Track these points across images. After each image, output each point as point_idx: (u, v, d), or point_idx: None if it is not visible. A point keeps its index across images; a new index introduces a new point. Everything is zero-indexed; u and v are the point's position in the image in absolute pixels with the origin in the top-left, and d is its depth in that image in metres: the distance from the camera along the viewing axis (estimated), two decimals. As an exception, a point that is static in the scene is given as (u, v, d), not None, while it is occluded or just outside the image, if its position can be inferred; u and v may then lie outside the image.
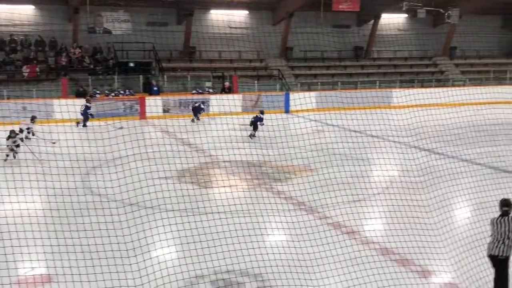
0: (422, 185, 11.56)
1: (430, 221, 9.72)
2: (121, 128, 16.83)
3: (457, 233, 9.67)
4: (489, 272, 7.95)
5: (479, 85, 32.27)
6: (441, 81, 34.22)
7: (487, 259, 7.88)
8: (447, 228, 9.68)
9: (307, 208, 11.45)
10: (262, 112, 20.66)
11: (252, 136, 20.21)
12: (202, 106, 25.09)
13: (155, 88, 27.35)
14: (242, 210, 9.96)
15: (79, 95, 25.48)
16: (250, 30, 31.23)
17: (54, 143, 13.73)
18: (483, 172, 14.30)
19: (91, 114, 22.59)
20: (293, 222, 9.93)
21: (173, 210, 9.91)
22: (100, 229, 8.64)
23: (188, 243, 8.93)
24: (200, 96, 27.17)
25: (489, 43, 36.85)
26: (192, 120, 24.12)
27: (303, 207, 11.59)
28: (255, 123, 20.36)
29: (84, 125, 22.47)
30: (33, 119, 18.67)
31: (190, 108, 25.64)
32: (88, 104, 22.72)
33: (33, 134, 18.19)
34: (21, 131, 17.08)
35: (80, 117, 22.50)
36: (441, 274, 8.49)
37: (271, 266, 8.10)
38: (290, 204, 11.94)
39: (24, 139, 17.02)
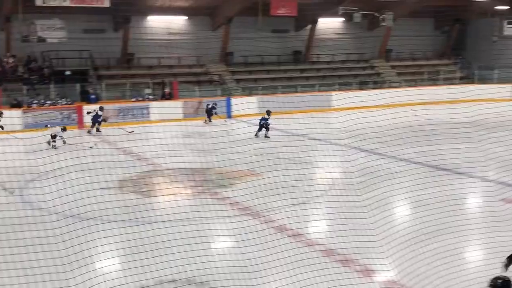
0: (363, 185, 11.81)
1: (370, 220, 9.94)
2: (132, 132, 17.04)
3: (397, 230, 9.94)
4: (428, 268, 8.21)
5: (415, 86, 33.34)
6: (378, 83, 35.10)
7: (426, 255, 8.13)
8: (387, 226, 9.93)
9: (252, 213, 11.48)
10: (268, 113, 21.49)
11: (258, 135, 21.41)
12: (215, 107, 25.38)
13: (93, 96, 26.80)
14: (187, 218, 9.88)
15: (14, 106, 24.68)
16: (189, 35, 31.10)
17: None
18: (420, 170, 14.77)
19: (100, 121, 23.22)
20: (238, 228, 9.93)
21: (116, 221, 9.73)
22: (41, 244, 8.37)
23: (132, 253, 8.77)
24: (144, 102, 26.88)
25: (423, 45, 38.08)
26: (205, 121, 24.55)
27: (248, 212, 11.62)
28: (261, 124, 21.57)
29: (98, 130, 23.11)
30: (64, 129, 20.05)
31: (204, 109, 26.14)
32: (99, 112, 23.17)
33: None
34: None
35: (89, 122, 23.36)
36: (383, 272, 8.70)
37: (218, 274, 8.07)
38: (235, 209, 11.94)
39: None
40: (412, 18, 35.80)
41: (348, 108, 16.39)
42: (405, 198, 12.28)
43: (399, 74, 37.16)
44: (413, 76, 36.84)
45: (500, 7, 36.49)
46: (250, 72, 33.22)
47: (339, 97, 27.67)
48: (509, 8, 36.71)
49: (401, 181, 11.94)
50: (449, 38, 40.36)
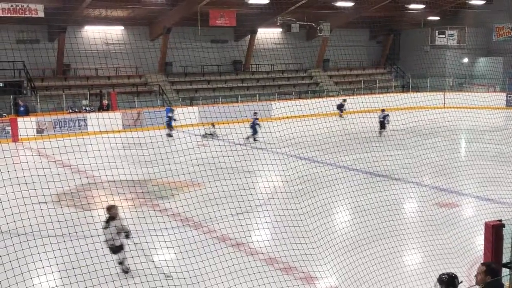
0: (303, 193, 11.96)
1: (311, 227, 10.07)
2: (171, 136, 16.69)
3: (337, 236, 10.11)
4: (367, 272, 8.38)
5: (352, 95, 34.12)
6: (317, 92, 35.71)
7: (365, 260, 8.30)
8: (327, 232, 10.08)
9: (193, 223, 11.41)
10: (256, 113, 22.68)
11: (254, 139, 22.39)
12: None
13: (22, 109, 25.90)
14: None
15: None
16: (127, 46, 30.67)
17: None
18: (358, 177, 15.09)
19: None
20: (182, 239, 9.83)
21: (54, 236, 9.43)
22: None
23: (71, 268, 8.53)
24: (81, 114, 26.26)
25: (359, 55, 39.10)
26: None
27: (189, 223, 11.54)
28: (254, 126, 22.36)
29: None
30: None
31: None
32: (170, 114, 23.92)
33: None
34: None
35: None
36: (325, 278, 8.82)
37: (162, 287, 7.96)
38: (176, 220, 11.83)
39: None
40: (348, 29, 36.70)
41: (288, 117, 16.60)
42: (344, 205, 12.51)
43: (336, 83, 37.95)
44: (350, 85, 37.71)
45: (431, 17, 37.98)
46: (190, 82, 33.10)
47: (279, 106, 28.03)
48: (439, 19, 38.27)
49: (339, 188, 12.16)
50: (384, 48, 41.62)
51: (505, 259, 6.27)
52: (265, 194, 13.93)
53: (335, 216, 12.16)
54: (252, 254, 9.99)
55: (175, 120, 24.35)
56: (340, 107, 30.63)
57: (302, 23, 32.66)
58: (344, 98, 31.84)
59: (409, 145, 15.80)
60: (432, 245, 9.91)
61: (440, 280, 6.00)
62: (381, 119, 24.71)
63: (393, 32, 40.80)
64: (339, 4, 33.00)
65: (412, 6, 35.43)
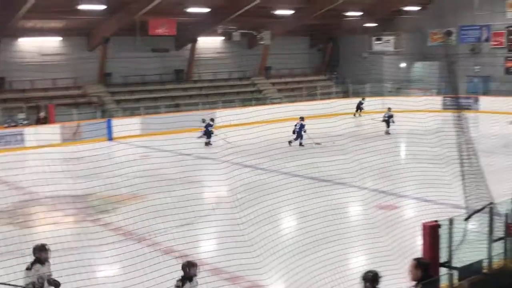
0: (248, 200, 11.95)
1: (255, 234, 10.06)
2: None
3: (282, 241, 10.15)
4: (313, 276, 8.45)
5: (294, 102, 34.48)
6: (260, 100, 35.88)
7: (311, 264, 8.35)
8: (273, 238, 10.10)
9: (137, 236, 11.20)
10: (302, 119, 22.65)
11: (297, 144, 22.61)
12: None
13: None
14: (68, 248, 9.43)
15: None
16: (65, 57, 29.98)
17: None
18: (302, 183, 15.21)
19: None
20: (125, 253, 9.61)
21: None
22: None
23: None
24: (17, 128, 25.41)
25: (300, 62, 39.62)
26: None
27: (133, 236, 11.31)
28: (299, 132, 22.57)
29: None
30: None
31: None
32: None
33: None
34: None
35: None
36: (271, 286, 8.82)
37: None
38: (119, 235, 11.57)
39: None
40: (289, 37, 37.15)
41: (232, 125, 16.61)
42: (289, 210, 12.59)
43: (279, 90, 38.27)
44: (293, 92, 38.11)
45: (368, 24, 38.93)
46: (131, 93, 32.61)
47: (223, 114, 28.01)
48: (376, 26, 39.28)
49: (283, 194, 12.21)
50: (324, 55, 42.31)
51: (442, 258, 6.44)
52: (210, 204, 13.84)
53: (279, 222, 12.21)
54: (199, 266, 9.88)
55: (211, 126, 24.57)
56: (360, 105, 32.56)
57: (243, 31, 32.85)
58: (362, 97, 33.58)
59: (350, 149, 16.06)
60: (374, 248, 10.09)
61: (365, 277, 6.44)
62: (386, 118, 25.74)
63: (332, 39, 41.56)
64: (278, 12, 33.37)
65: (350, 13, 36.22)
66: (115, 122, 27.20)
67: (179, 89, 34.54)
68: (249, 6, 30.21)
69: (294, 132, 22.92)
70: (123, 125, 25.11)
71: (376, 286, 6.38)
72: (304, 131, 22.96)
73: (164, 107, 31.44)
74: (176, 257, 9.85)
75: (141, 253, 9.28)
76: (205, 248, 10.67)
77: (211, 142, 23.35)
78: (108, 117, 28.65)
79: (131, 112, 30.73)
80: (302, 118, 23.36)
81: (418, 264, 5.99)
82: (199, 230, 11.77)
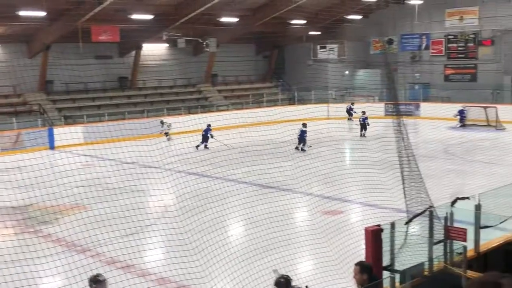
0: (193, 207, 11.85)
1: (201, 242, 9.99)
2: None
3: (230, 247, 10.10)
4: (260, 282, 8.44)
5: (241, 109, 34.55)
6: (206, 107, 35.77)
7: (258, 269, 8.34)
8: (219, 244, 10.04)
9: (80, 247, 10.91)
10: (304, 125, 23.44)
11: (300, 149, 23.08)
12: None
13: None
14: (9, 261, 9.08)
15: None
16: (3, 64, 29.00)
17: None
18: (249, 190, 15.22)
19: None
20: (68, 264, 9.35)
21: None
22: None
23: None
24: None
25: (246, 69, 39.73)
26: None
27: (75, 247, 11.02)
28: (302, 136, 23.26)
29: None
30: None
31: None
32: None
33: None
34: None
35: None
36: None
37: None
38: (61, 246, 11.25)
39: None
40: (235, 44, 37.24)
41: (178, 133, 16.44)
42: (235, 217, 12.56)
43: (225, 97, 38.27)
44: (239, 99, 38.18)
45: (312, 32, 39.51)
46: (73, 100, 31.87)
47: (168, 122, 27.78)
48: (320, 34, 39.90)
49: (230, 201, 12.19)
50: (270, 62, 42.64)
51: (385, 262, 6.56)
52: (156, 213, 13.65)
53: (225, 230, 12.16)
54: (143, 276, 9.72)
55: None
56: (350, 110, 33.32)
57: (188, 38, 32.68)
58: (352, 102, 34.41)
59: (296, 155, 16.22)
60: (320, 253, 10.19)
61: (278, 283, 6.52)
62: (361, 122, 26.75)
63: (278, 46, 41.95)
64: (223, 20, 33.42)
65: (294, 21, 36.66)
66: (57, 130, 26.51)
67: (123, 96, 34.03)
68: (194, 13, 30.13)
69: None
70: (65, 133, 24.47)
71: None
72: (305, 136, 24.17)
73: (107, 115, 30.86)
74: (122, 267, 9.67)
75: (84, 263, 9.05)
76: (150, 258, 10.50)
77: (207, 146, 23.89)
78: (50, 125, 27.89)
79: (74, 120, 30.05)
80: (304, 125, 24.24)
81: (362, 268, 6.09)
82: (144, 239, 11.58)
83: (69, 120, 30.04)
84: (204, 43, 33.06)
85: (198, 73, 37.43)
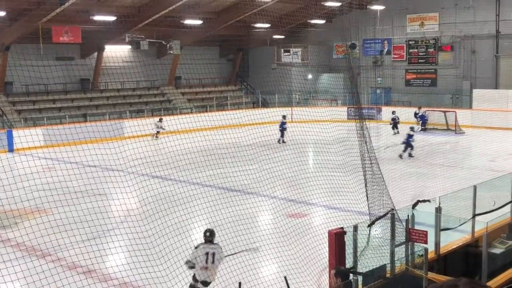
0: (157, 211, 11.76)
1: (164, 246, 9.91)
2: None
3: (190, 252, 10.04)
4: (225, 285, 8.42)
5: (205, 112, 34.47)
6: (170, 110, 35.55)
7: (225, 273, 8.32)
8: (183, 248, 9.98)
9: (40, 252, 10.69)
10: (284, 117, 25.86)
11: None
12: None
13: None
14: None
15: None
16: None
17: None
18: (213, 193, 15.19)
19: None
20: (28, 269, 9.15)
21: None
22: None
23: None
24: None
25: (210, 72, 39.62)
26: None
27: (36, 252, 10.79)
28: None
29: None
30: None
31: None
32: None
33: None
34: None
35: None
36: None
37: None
38: (21, 251, 11.00)
39: None
40: (199, 46, 37.12)
41: (141, 136, 16.29)
42: (199, 221, 12.50)
43: (189, 100, 38.12)
44: (203, 102, 38.09)
45: (276, 36, 39.72)
46: (33, 102, 31.22)
47: (131, 125, 27.45)
48: (284, 38, 40.15)
49: (194, 205, 12.15)
50: (234, 66, 42.66)
51: (348, 264, 6.63)
52: (118, 217, 13.49)
53: (190, 233, 12.09)
54: (106, 281, 9.59)
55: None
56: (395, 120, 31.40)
57: (151, 40, 32.42)
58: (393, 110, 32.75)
59: (259, 158, 16.25)
60: (285, 256, 10.24)
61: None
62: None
63: (242, 50, 42.01)
64: (187, 22, 33.29)
65: (258, 25, 36.78)
66: (16, 133, 25.91)
67: (85, 98, 33.52)
68: (157, 15, 29.94)
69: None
70: (25, 136, 23.91)
71: None
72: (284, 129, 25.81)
73: (68, 117, 30.36)
74: (83, 272, 9.52)
75: (45, 268, 8.87)
76: (112, 263, 10.35)
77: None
78: (9, 127, 27.25)
79: (34, 123, 29.45)
80: (284, 117, 26.46)
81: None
82: (106, 244, 11.43)
83: (29, 122, 29.42)
84: (168, 46, 32.83)
85: (162, 76, 37.16)
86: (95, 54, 33.59)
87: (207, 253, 8.33)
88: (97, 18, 29.40)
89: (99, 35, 31.50)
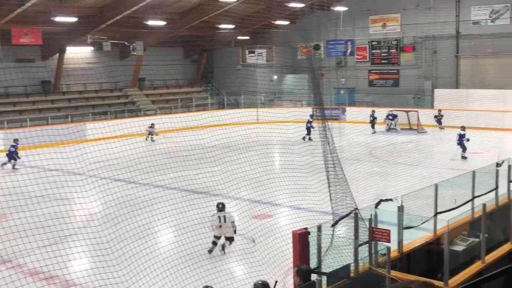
0: (119, 214, 11.57)
1: (127, 251, 9.76)
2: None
3: (155, 256, 9.92)
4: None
5: (169, 113, 34.18)
6: (134, 112, 35.16)
7: (191, 275, 8.22)
8: (148, 250, 9.85)
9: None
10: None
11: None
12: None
13: None
14: None
15: None
16: None
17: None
18: (177, 195, 15.04)
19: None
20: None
21: None
22: None
23: None
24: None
25: (175, 73, 39.35)
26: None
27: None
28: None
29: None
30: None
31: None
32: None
33: None
34: None
35: None
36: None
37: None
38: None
39: None
40: (163, 47, 36.79)
41: (104, 138, 16.01)
42: (164, 224, 12.37)
43: (153, 102, 37.76)
44: (168, 103, 37.78)
45: (241, 37, 39.69)
46: (-8, 105, 30.47)
47: (94, 127, 26.96)
48: (249, 39, 40.17)
49: (157, 208, 12.01)
50: (198, 67, 42.45)
51: (312, 264, 6.63)
52: (80, 222, 13.23)
53: (153, 236, 11.95)
54: (68, 286, 9.39)
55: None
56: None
57: (114, 41, 31.97)
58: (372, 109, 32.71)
59: (224, 159, 16.19)
60: (251, 257, 10.20)
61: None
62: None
63: (206, 51, 41.84)
64: (150, 23, 32.97)
65: (222, 26, 36.70)
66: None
67: (46, 101, 32.88)
68: (120, 16, 29.56)
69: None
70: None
71: None
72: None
73: (29, 120, 29.69)
74: (46, 278, 9.29)
75: (5, 274, 8.65)
76: (73, 268, 10.14)
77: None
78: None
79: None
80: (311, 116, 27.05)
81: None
82: (68, 249, 11.19)
83: (-13, 125, 28.68)
84: (131, 47, 32.43)
85: (125, 77, 36.67)
86: (56, 55, 32.98)
87: (219, 217, 11.53)
88: (58, 19, 28.89)
89: (60, 37, 30.92)
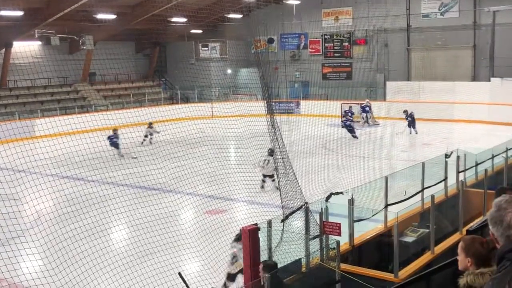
0: (73, 213, 11.28)
1: (82, 251, 9.52)
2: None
3: (110, 250, 9.70)
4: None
5: (121, 109, 33.58)
6: (84, 107, 34.42)
7: (141, 271, 8.06)
8: (102, 252, 9.63)
9: None
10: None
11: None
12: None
13: None
14: None
15: None
16: None
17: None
18: (129, 192, 14.79)
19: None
20: None
21: None
22: None
23: None
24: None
25: (127, 68, 38.67)
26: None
27: None
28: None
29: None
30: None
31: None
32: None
33: None
34: None
35: None
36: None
37: None
38: None
39: None
40: (114, 42, 36.08)
41: (53, 135, 15.55)
42: (116, 221, 12.11)
43: (105, 97, 37.06)
44: (119, 98, 37.14)
45: (194, 31, 39.33)
46: None
47: (42, 122, 26.23)
48: (202, 33, 39.84)
49: (109, 205, 11.74)
50: (151, 61, 41.89)
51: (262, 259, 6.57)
52: (30, 222, 12.80)
53: (105, 233, 11.69)
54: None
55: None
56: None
57: (62, 35, 31.14)
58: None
59: (178, 154, 15.98)
60: (203, 254, 10.10)
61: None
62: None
63: (159, 44, 41.31)
64: (100, 16, 32.27)
65: (175, 19, 36.27)
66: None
67: (-7, 98, 31.85)
68: (68, 9, 28.76)
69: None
70: None
71: None
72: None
73: (-24, 117, 28.73)
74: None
75: None
76: (24, 270, 9.81)
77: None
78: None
79: None
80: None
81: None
82: (16, 251, 10.81)
83: None
84: (80, 41, 31.65)
85: (75, 72, 35.78)
86: (3, 50, 31.95)
87: (265, 160, 15.19)
88: (3, 13, 27.91)
89: (6, 31, 29.95)
